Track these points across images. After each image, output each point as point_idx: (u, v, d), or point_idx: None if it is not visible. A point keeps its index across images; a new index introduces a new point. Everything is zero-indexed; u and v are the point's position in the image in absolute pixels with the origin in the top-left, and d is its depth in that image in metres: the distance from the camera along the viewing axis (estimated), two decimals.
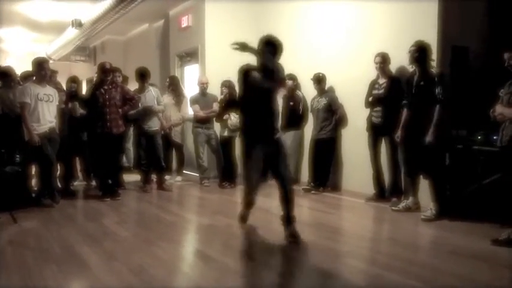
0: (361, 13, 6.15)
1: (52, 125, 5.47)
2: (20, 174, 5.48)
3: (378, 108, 5.45)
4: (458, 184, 4.77)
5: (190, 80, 8.59)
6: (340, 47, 6.45)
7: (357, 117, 6.04)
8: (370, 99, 5.52)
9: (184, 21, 8.45)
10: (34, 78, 5.53)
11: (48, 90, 5.49)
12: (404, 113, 4.92)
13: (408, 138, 4.85)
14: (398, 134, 4.94)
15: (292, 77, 6.76)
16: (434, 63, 4.85)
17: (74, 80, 6.82)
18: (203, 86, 6.96)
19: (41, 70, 5.40)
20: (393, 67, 5.50)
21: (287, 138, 6.77)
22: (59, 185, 6.21)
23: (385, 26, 5.80)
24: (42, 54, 12.89)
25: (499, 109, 3.84)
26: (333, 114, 6.25)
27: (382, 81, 5.46)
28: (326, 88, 6.39)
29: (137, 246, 4.02)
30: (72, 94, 6.53)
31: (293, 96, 6.77)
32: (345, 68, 6.33)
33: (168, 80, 7.51)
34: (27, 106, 5.22)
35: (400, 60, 5.33)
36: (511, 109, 3.77)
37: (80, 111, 6.20)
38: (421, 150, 4.70)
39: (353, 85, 6.09)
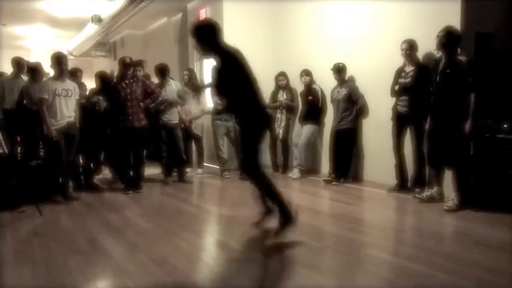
0: (382, 1, 6.04)
1: (71, 119, 5.48)
2: (44, 167, 5.57)
3: (404, 97, 5.32)
4: (483, 174, 4.66)
5: (209, 73, 8.61)
6: (361, 36, 6.36)
7: (378, 107, 5.97)
8: (396, 87, 5.37)
9: (203, 15, 8.45)
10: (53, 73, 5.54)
11: (67, 84, 5.49)
12: (432, 103, 4.76)
13: (434, 128, 4.74)
14: (430, 124, 4.76)
15: (308, 72, 6.76)
16: (459, 51, 4.71)
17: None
18: None
19: (59, 65, 5.40)
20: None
21: (304, 131, 6.77)
22: (82, 178, 6.33)
23: (406, 13, 5.68)
24: (64, 50, 13.08)
25: None
26: (353, 105, 6.17)
27: (409, 69, 5.30)
28: (346, 78, 6.32)
29: (159, 237, 4.06)
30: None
31: (311, 91, 6.76)
32: (365, 58, 6.24)
33: (187, 73, 7.49)
34: (45, 101, 5.25)
35: (421, 48, 5.23)
36: None
37: (104, 105, 6.28)
38: (448, 141, 4.59)
39: (373, 75, 6.01)
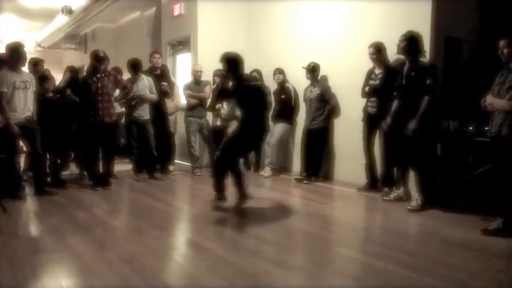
0: (355, 3, 6.10)
1: (28, 114, 5.19)
2: (7, 162, 5.38)
3: (374, 99, 5.40)
4: (449, 175, 4.78)
5: (182, 68, 8.53)
6: (334, 37, 6.42)
7: (350, 107, 6.04)
8: (367, 89, 5.46)
9: (177, 9, 8.36)
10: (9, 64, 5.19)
11: (25, 76, 5.24)
12: (395, 103, 4.87)
13: (396, 129, 4.83)
14: (388, 121, 4.87)
15: (281, 71, 6.79)
16: (426, 54, 4.81)
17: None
18: (197, 74, 6.91)
19: (17, 56, 5.12)
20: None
21: (276, 129, 6.79)
22: (48, 173, 6.17)
23: (378, 16, 5.76)
24: (33, 41, 12.73)
25: (489, 99, 3.84)
26: (325, 104, 6.23)
27: (378, 71, 5.39)
28: (319, 78, 6.37)
29: (128, 235, 4.01)
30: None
31: (284, 89, 6.79)
32: (338, 58, 6.30)
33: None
34: (5, 95, 4.98)
35: (394, 50, 5.31)
36: (500, 99, 3.77)
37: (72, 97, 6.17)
38: (407, 141, 4.69)
39: (346, 75, 6.08)
